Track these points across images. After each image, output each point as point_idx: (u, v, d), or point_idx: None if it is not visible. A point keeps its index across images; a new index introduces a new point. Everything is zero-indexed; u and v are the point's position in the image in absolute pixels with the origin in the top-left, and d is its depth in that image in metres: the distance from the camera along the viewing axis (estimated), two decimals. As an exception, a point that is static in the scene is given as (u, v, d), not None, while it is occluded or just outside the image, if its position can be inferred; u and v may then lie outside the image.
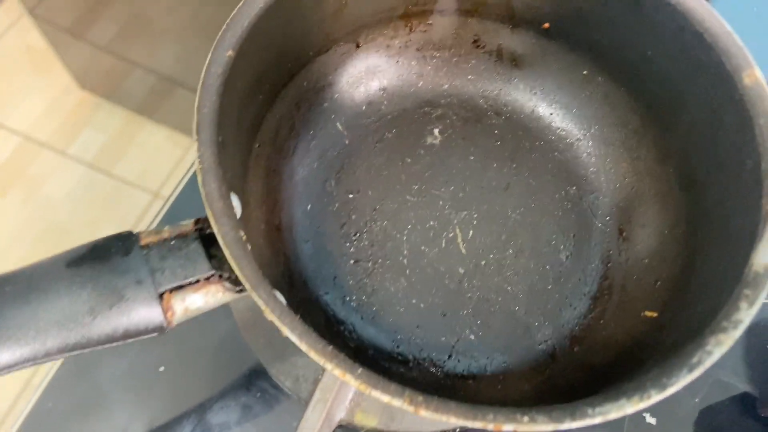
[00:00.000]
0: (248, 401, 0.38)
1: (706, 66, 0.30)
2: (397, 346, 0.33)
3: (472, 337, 0.33)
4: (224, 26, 0.28)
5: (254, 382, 0.38)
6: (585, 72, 0.37)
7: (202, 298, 0.24)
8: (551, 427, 0.21)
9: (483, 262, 0.36)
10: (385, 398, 0.21)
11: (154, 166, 1.20)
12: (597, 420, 0.21)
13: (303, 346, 0.22)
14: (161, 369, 0.38)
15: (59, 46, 1.14)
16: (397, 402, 0.21)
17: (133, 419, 0.37)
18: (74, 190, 1.19)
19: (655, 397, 0.22)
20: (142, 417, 0.38)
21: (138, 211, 1.17)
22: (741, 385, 0.42)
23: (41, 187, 1.19)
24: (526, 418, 0.21)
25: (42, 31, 1.07)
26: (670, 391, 0.22)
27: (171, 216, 0.44)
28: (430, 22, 0.38)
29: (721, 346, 0.23)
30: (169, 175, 1.20)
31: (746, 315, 0.23)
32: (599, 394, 0.23)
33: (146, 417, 0.38)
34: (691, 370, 0.22)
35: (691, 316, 0.27)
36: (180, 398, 0.38)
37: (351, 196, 0.37)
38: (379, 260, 0.35)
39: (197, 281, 0.24)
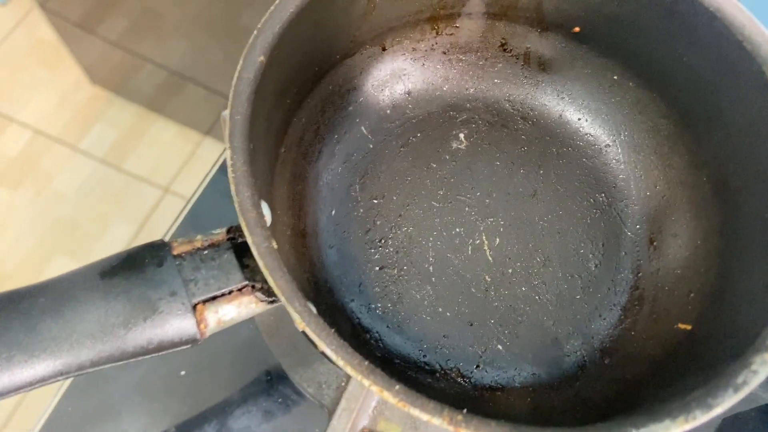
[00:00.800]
0: (270, 407, 0.37)
1: (745, 74, 0.29)
2: (424, 356, 0.33)
3: (500, 347, 0.33)
4: (255, 31, 0.27)
5: (276, 388, 0.38)
6: (615, 77, 0.37)
7: (235, 309, 0.23)
8: (596, 448, 0.20)
9: (510, 271, 0.35)
10: (425, 417, 0.20)
11: (164, 162, 1.20)
12: (641, 442, 0.21)
13: (340, 362, 0.21)
14: (182, 373, 0.38)
15: (70, 40, 1.14)
16: (436, 421, 0.21)
17: (154, 423, 0.37)
18: (85, 185, 1.19)
19: (701, 418, 0.21)
20: (163, 421, 0.37)
21: (148, 207, 1.17)
22: (766, 395, 0.41)
23: (52, 182, 1.19)
24: (569, 439, 0.20)
25: (53, 25, 1.07)
26: (716, 411, 0.21)
27: (193, 216, 0.44)
28: (457, 25, 0.38)
29: (766, 365, 0.22)
30: (180, 170, 1.20)
31: (793, 334, 0.23)
32: (639, 412, 0.23)
33: (167, 421, 0.37)
34: (736, 390, 0.22)
35: (731, 330, 0.27)
36: (201, 403, 0.38)
37: (376, 201, 0.37)
38: (405, 267, 0.35)
39: (230, 292, 0.23)
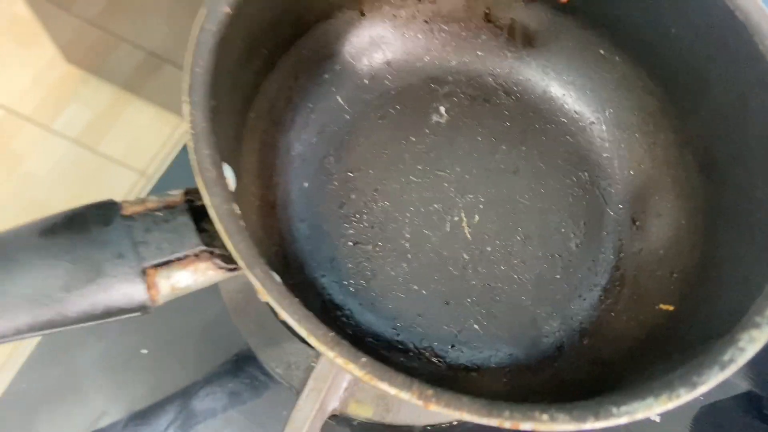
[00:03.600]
0: (236, 388, 0.36)
1: (735, 46, 0.28)
2: (397, 335, 0.31)
3: (477, 327, 0.32)
4: (222, -20, 0.25)
5: (243, 368, 0.36)
6: (602, 51, 0.35)
7: (190, 276, 0.22)
8: (573, 426, 0.19)
9: (489, 249, 0.34)
10: (392, 391, 0.19)
11: (140, 144, 1.17)
12: (623, 420, 0.19)
13: (303, 332, 0.20)
14: (144, 351, 0.36)
15: (45, 17, 1.10)
16: (404, 395, 0.19)
17: (112, 403, 0.35)
18: (58, 167, 1.15)
19: (685, 397, 0.20)
20: (122, 401, 0.35)
21: (123, 190, 1.14)
22: (744, 383, 0.41)
23: (23, 163, 1.15)
24: (545, 417, 0.19)
25: (27, 1, 1.03)
26: (701, 390, 0.20)
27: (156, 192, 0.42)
28: (440, -8, 0.36)
29: (754, 342, 0.21)
30: (156, 153, 1.17)
31: (781, 310, 0.21)
32: (621, 392, 0.22)
33: (126, 401, 0.35)
34: (723, 367, 0.21)
35: (715, 309, 0.25)
36: (163, 383, 0.36)
37: (351, 174, 0.35)
38: (380, 243, 0.33)
39: (185, 257, 0.21)
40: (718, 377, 0.20)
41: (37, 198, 1.11)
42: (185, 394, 0.35)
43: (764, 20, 0.27)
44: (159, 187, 0.42)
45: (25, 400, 0.35)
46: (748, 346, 0.21)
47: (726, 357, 0.21)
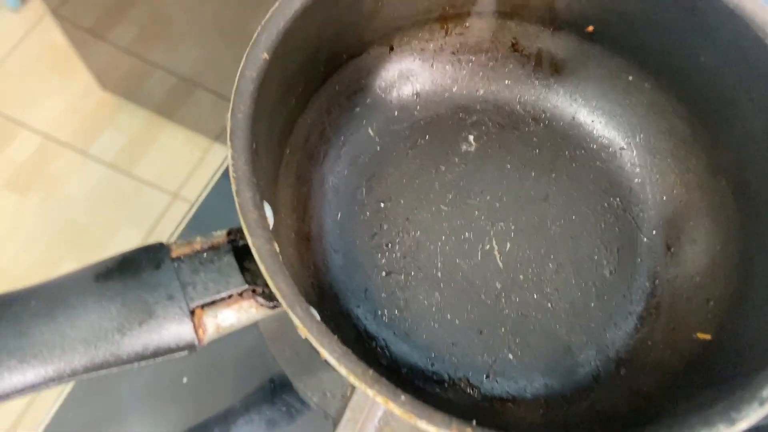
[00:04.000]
0: (273, 415, 0.36)
1: (765, 71, 0.28)
2: (432, 365, 0.32)
3: (511, 356, 0.32)
4: (259, 28, 0.27)
5: (279, 396, 0.37)
6: (630, 78, 0.36)
7: (234, 315, 0.22)
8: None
9: (521, 277, 0.34)
10: (432, 429, 0.19)
11: (173, 168, 1.20)
12: (663, 458, 0.19)
13: (342, 370, 0.20)
14: (184, 380, 0.37)
15: (81, 46, 1.14)
16: (444, 433, 0.19)
17: (155, 431, 0.36)
18: (94, 190, 1.19)
19: (725, 434, 0.20)
20: (165, 429, 0.36)
21: (157, 213, 1.17)
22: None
23: (61, 187, 1.19)
24: (585, 455, 0.19)
25: (64, 31, 1.08)
26: (741, 426, 0.20)
27: (197, 220, 0.43)
28: (467, 24, 0.37)
29: (796, 378, 0.21)
30: (189, 176, 1.20)
31: (823, 345, 0.21)
32: (658, 426, 0.22)
33: (167, 430, 0.36)
34: (762, 403, 0.20)
35: (754, 341, 0.25)
36: (203, 411, 0.37)
37: (382, 204, 0.36)
38: (412, 273, 0.34)
39: (230, 296, 0.22)
40: (758, 413, 0.20)
41: (75, 220, 1.14)
42: (224, 421, 0.36)
43: (796, 48, 0.27)
44: (200, 214, 0.43)
45: (71, 428, 0.37)
46: (789, 382, 0.21)
47: (765, 393, 0.21)
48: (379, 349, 0.32)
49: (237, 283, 0.22)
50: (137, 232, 1.14)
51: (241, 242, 0.24)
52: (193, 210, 0.44)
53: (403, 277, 0.34)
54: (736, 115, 0.31)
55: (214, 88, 1.03)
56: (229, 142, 0.24)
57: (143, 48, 1.04)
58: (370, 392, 0.20)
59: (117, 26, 1.03)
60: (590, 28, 0.35)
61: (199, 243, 0.23)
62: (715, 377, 0.26)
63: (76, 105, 1.27)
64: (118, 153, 1.25)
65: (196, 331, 0.21)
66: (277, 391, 0.37)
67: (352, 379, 0.20)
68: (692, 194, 0.34)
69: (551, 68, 0.38)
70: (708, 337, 0.29)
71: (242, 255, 0.23)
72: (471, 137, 0.38)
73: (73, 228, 1.16)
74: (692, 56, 0.31)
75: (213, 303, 0.22)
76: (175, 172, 1.19)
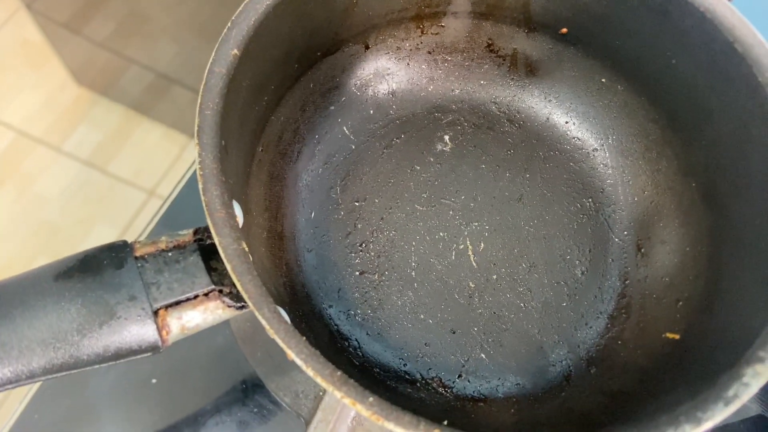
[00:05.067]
0: (244, 417, 0.36)
1: (735, 77, 0.28)
2: (404, 365, 0.32)
3: (483, 356, 0.32)
4: (229, 23, 0.26)
5: (251, 397, 0.36)
6: (603, 80, 0.36)
7: (200, 315, 0.22)
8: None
9: (494, 277, 0.34)
10: (400, 430, 0.19)
11: (149, 165, 1.18)
12: (628, 458, 0.19)
13: (310, 371, 0.20)
14: (153, 381, 0.36)
15: (56, 41, 1.12)
16: (411, 435, 0.19)
17: (123, 434, 0.36)
18: (68, 187, 1.16)
19: (690, 433, 0.20)
20: (133, 431, 0.36)
21: (132, 210, 1.15)
22: (755, 406, 0.41)
23: (35, 184, 1.17)
24: (551, 455, 0.19)
25: (39, 25, 1.05)
26: (706, 425, 0.20)
27: (169, 217, 0.42)
28: (443, 24, 0.37)
29: (759, 377, 0.21)
30: (165, 173, 1.18)
31: (785, 345, 0.22)
32: (626, 425, 0.22)
33: (136, 431, 0.36)
34: (727, 403, 0.21)
35: (721, 341, 0.26)
36: (173, 412, 0.36)
37: (357, 203, 0.35)
38: (386, 272, 0.34)
39: (195, 297, 0.22)
40: (723, 413, 0.21)
41: (48, 218, 1.12)
42: (194, 423, 0.36)
43: (764, 53, 0.28)
44: (172, 210, 0.43)
45: (37, 431, 0.36)
46: (752, 381, 0.21)
47: (730, 393, 0.21)
48: (351, 349, 0.32)
49: (203, 283, 0.22)
50: (112, 231, 1.12)
51: (208, 241, 0.23)
52: (165, 207, 0.44)
53: (377, 276, 0.34)
54: (706, 119, 0.31)
55: (191, 84, 1.02)
56: (196, 140, 0.23)
57: (120, 43, 1.03)
58: (338, 394, 0.20)
59: (93, 21, 1.01)
60: (564, 30, 0.35)
61: (164, 242, 0.22)
62: (684, 377, 0.26)
63: (50, 100, 1.25)
64: (93, 149, 1.22)
65: (159, 333, 0.21)
66: (248, 391, 0.36)
67: (320, 381, 0.20)
68: (663, 196, 0.34)
69: (526, 69, 0.38)
70: (677, 336, 0.29)
71: (209, 254, 0.23)
72: (446, 137, 0.38)
73: (47, 226, 1.14)
74: (664, 60, 0.32)
75: (178, 303, 0.21)
76: (151, 169, 1.17)
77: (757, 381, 0.21)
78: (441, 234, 0.35)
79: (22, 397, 0.37)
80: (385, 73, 0.37)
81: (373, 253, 0.34)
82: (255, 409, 0.36)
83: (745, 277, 0.27)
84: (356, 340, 0.32)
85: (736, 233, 0.29)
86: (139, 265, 0.21)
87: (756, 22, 0.29)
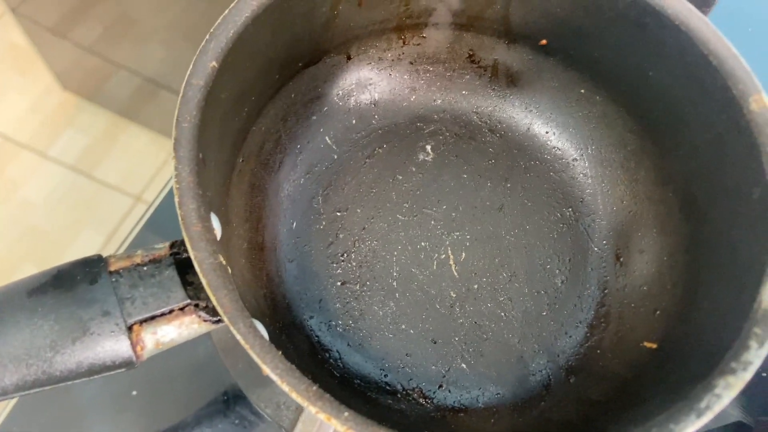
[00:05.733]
0: (226, 428, 0.36)
1: (710, 89, 0.29)
2: (385, 375, 0.32)
3: (464, 366, 0.32)
4: (207, 35, 0.26)
5: (233, 408, 0.36)
6: (582, 90, 0.36)
7: (175, 330, 0.22)
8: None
9: (476, 286, 0.34)
10: (374, 445, 0.19)
11: (136, 170, 1.17)
12: (601, 471, 0.20)
13: (285, 387, 0.20)
14: (134, 393, 0.36)
15: (42, 45, 1.11)
16: (386, 449, 0.19)
17: (103, 446, 0.35)
18: (54, 193, 1.15)
19: (662, 445, 0.20)
20: (113, 444, 0.35)
21: (119, 215, 1.14)
22: (734, 412, 0.41)
23: (19, 189, 1.15)
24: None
25: (25, 29, 1.05)
26: (678, 438, 0.21)
27: (154, 223, 0.42)
28: (424, 35, 0.37)
29: (730, 389, 0.21)
30: (152, 179, 1.17)
31: (756, 356, 0.22)
32: (600, 438, 0.22)
33: (117, 444, 0.35)
34: (699, 415, 0.21)
35: (696, 351, 0.26)
36: (153, 424, 0.36)
37: (339, 213, 0.35)
38: (368, 282, 0.34)
39: (171, 311, 0.22)
40: (695, 425, 0.21)
41: (34, 224, 1.11)
42: (176, 435, 0.35)
43: (737, 65, 0.28)
44: (157, 216, 0.42)
45: (16, 443, 0.35)
46: (724, 392, 0.21)
47: (702, 404, 0.21)
48: (332, 360, 0.32)
49: (178, 297, 0.22)
50: (98, 236, 1.11)
51: (184, 255, 0.23)
52: (150, 212, 0.44)
53: (358, 287, 0.34)
54: (683, 130, 0.32)
55: (179, 89, 1.01)
56: (173, 153, 0.23)
57: (107, 48, 1.02)
58: (313, 409, 0.20)
59: (79, 25, 1.00)
60: (544, 42, 0.35)
61: (139, 256, 0.22)
62: (660, 386, 0.26)
63: (35, 105, 1.23)
64: (79, 155, 1.21)
65: (133, 348, 0.21)
66: (230, 403, 0.36)
67: (295, 396, 0.20)
68: (641, 205, 0.34)
69: (507, 80, 0.38)
70: (654, 346, 0.30)
71: (186, 268, 0.23)
72: (428, 147, 0.38)
73: (32, 231, 1.12)
74: (641, 71, 0.32)
75: (152, 318, 0.21)
76: (138, 174, 1.16)
77: (729, 393, 0.21)
78: (423, 244, 0.35)
79: (0, 410, 0.36)
80: (368, 84, 0.38)
81: (354, 263, 0.34)
82: (236, 421, 0.36)
83: (720, 287, 0.27)
84: (337, 351, 0.32)
85: (712, 243, 0.29)
86: (113, 279, 0.21)
87: (732, 37, 0.29)
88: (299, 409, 0.33)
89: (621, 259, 0.34)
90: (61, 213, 1.18)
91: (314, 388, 0.20)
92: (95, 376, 0.21)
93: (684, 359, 0.27)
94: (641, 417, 0.23)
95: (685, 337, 0.28)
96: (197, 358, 0.37)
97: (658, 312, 0.31)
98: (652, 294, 0.32)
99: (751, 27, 0.53)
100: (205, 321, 0.22)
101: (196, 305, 0.22)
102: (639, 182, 0.35)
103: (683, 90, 0.31)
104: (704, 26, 0.29)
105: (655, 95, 0.32)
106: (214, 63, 0.26)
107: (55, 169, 1.22)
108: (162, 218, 0.44)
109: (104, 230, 1.17)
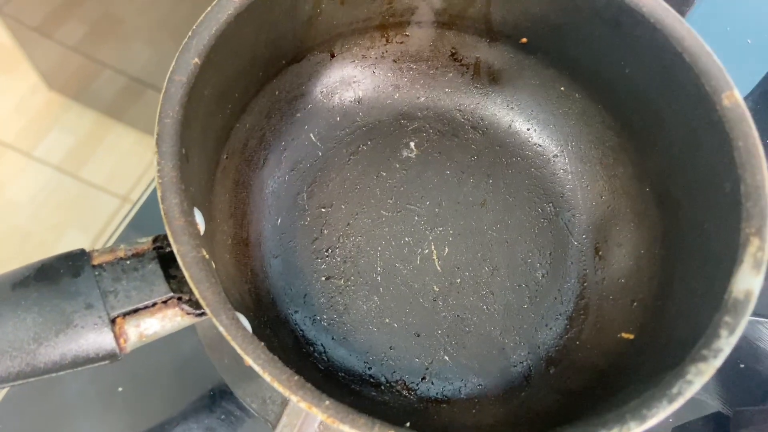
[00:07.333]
0: (212, 423, 0.36)
1: (685, 86, 0.30)
2: (369, 368, 0.32)
3: (447, 358, 0.32)
4: (190, 32, 0.26)
5: (219, 404, 0.36)
6: (562, 88, 0.37)
7: (158, 323, 0.22)
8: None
9: (458, 280, 0.35)
10: (354, 432, 0.20)
11: (122, 170, 1.17)
12: (574, 455, 0.20)
13: (267, 377, 0.20)
14: (119, 389, 0.36)
15: (27, 44, 1.10)
16: (366, 437, 0.20)
17: (89, 443, 0.35)
18: (40, 193, 1.15)
19: (635, 429, 0.21)
20: (99, 440, 0.36)
21: (105, 216, 1.13)
22: (713, 403, 0.42)
23: (5, 190, 1.14)
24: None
25: (9, 29, 1.04)
26: (651, 422, 0.21)
27: (139, 221, 0.42)
28: (408, 33, 0.37)
29: (701, 375, 0.22)
30: (138, 179, 1.17)
31: (727, 344, 0.23)
32: (576, 424, 0.22)
33: (103, 440, 0.36)
34: (671, 401, 0.21)
35: (670, 340, 0.27)
36: (139, 420, 0.36)
37: (323, 210, 0.36)
38: (352, 277, 0.34)
39: (154, 304, 0.22)
40: (667, 410, 0.21)
41: (20, 224, 1.10)
42: (161, 431, 0.35)
43: (711, 62, 0.29)
44: (142, 214, 0.43)
45: (1, 441, 0.35)
46: (695, 378, 0.22)
47: (674, 390, 0.22)
48: (316, 354, 0.32)
49: (161, 291, 0.22)
50: (84, 237, 1.10)
51: (167, 249, 0.23)
52: (135, 210, 0.44)
53: (342, 281, 0.34)
54: (659, 126, 0.32)
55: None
56: (155, 148, 0.23)
57: (92, 47, 1.01)
58: (294, 398, 0.20)
59: (65, 24, 1.00)
60: (524, 40, 0.36)
61: (122, 250, 0.23)
62: (635, 375, 0.27)
63: (20, 105, 1.22)
64: (65, 155, 1.21)
65: (116, 340, 0.21)
66: (216, 398, 0.36)
67: (277, 386, 0.21)
68: (619, 200, 0.35)
69: (489, 77, 0.39)
70: (631, 336, 0.30)
71: (169, 262, 0.23)
72: (412, 143, 0.38)
73: (18, 231, 1.12)
74: (618, 69, 0.33)
75: (136, 311, 0.22)
76: (124, 174, 1.16)
77: (700, 379, 0.22)
78: (406, 239, 0.36)
79: (-15, 407, 0.36)
80: (351, 81, 0.38)
81: (339, 259, 0.35)
82: (222, 416, 0.36)
83: (694, 278, 0.28)
84: (321, 345, 0.32)
85: (686, 236, 0.30)
86: (96, 273, 0.21)
87: (710, 36, 0.30)
88: (284, 403, 0.33)
89: (600, 253, 0.35)
90: (47, 213, 1.17)
91: (296, 377, 0.21)
92: (79, 368, 0.21)
93: (659, 348, 0.27)
94: (615, 405, 0.24)
95: (659, 328, 0.29)
96: (183, 354, 0.37)
97: (635, 303, 0.31)
98: (630, 286, 0.32)
99: (729, 26, 0.54)
100: (188, 314, 0.23)
101: (179, 298, 0.22)
102: (617, 178, 0.35)
103: (658, 87, 0.31)
104: (678, 24, 0.30)
105: (632, 92, 0.33)
106: (196, 59, 0.26)
107: (40, 169, 1.21)
108: (146, 217, 0.44)
109: (90, 230, 1.16)
